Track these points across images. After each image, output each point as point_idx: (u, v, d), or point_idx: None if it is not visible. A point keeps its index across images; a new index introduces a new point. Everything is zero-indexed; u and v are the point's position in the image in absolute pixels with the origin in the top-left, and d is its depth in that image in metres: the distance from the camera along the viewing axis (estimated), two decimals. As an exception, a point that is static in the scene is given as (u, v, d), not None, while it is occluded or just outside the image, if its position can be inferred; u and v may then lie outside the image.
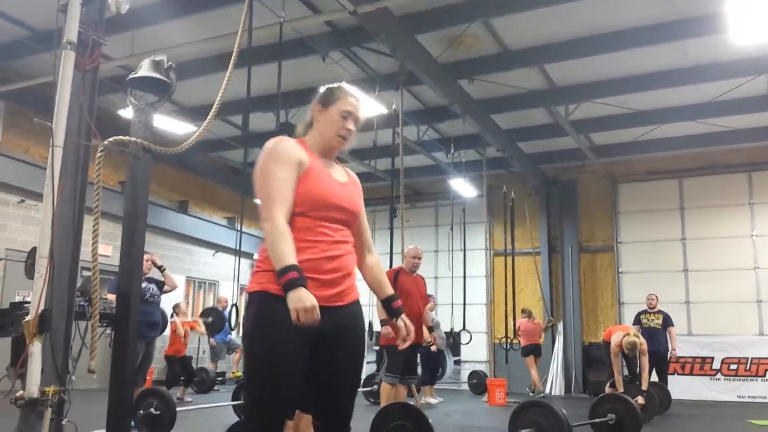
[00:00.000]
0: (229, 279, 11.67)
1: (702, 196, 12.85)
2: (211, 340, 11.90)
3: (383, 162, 11.46)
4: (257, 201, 2.29)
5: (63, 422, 3.23)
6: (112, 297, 4.72)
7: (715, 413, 9.59)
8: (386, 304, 2.49)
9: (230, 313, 6.39)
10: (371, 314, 7.60)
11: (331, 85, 2.50)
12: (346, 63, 9.06)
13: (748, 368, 11.68)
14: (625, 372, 8.56)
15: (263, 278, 2.23)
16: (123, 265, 3.66)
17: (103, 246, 3.65)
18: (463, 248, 12.02)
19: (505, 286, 12.08)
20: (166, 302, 7.93)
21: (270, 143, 2.32)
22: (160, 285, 6.97)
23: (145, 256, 5.77)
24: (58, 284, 3.20)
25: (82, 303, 3.50)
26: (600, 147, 12.76)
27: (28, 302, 3.25)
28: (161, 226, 12.22)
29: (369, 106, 9.06)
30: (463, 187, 12.54)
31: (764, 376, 11.53)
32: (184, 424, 5.33)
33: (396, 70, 8.76)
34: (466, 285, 11.54)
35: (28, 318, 3.03)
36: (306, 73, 9.31)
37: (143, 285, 6.56)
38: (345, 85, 2.52)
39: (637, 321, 9.85)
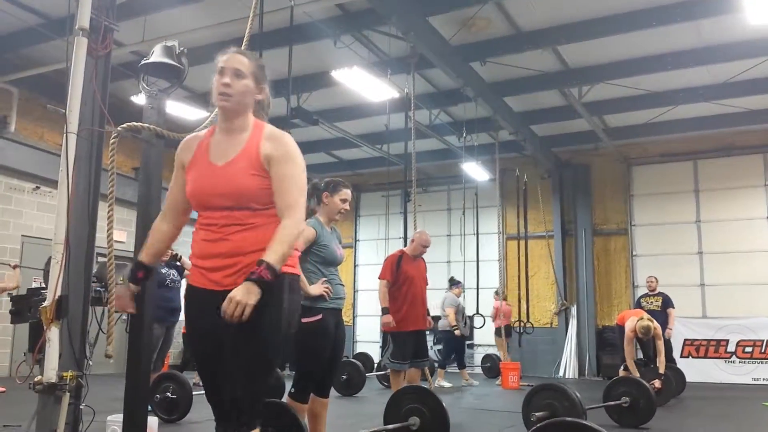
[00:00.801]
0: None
1: (717, 178, 12.70)
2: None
3: (396, 147, 11.41)
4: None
5: (81, 407, 3.27)
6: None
7: (730, 396, 9.55)
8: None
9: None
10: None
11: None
12: (357, 47, 9.00)
13: (763, 351, 11.61)
14: (639, 355, 8.55)
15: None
16: (138, 251, 3.67)
17: (118, 232, 3.66)
18: (475, 232, 11.98)
19: (519, 270, 12.05)
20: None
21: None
22: (181, 270, 7.01)
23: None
24: (74, 270, 3.22)
25: (98, 288, 3.52)
26: (613, 129, 12.63)
27: (45, 288, 3.27)
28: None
29: (381, 90, 9.03)
30: (475, 170, 12.48)
31: (779, 358, 11.48)
32: (200, 408, 5.39)
33: (407, 53, 8.70)
34: (479, 269, 11.52)
35: (45, 304, 3.06)
36: (317, 57, 9.27)
37: (163, 271, 6.61)
38: None
39: (638, 305, 9.87)
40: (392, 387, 5.77)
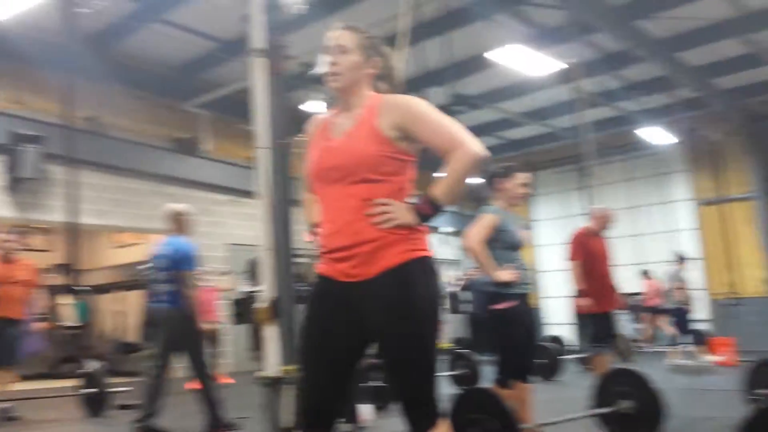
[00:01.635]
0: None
1: None
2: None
3: (563, 120, 10.94)
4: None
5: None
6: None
7: None
8: None
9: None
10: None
11: None
12: (512, 24, 8.73)
13: None
14: None
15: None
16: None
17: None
18: (661, 201, 11.11)
19: (719, 238, 10.95)
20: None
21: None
22: None
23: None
24: (280, 273, 3.46)
25: (301, 287, 3.75)
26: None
27: (256, 291, 3.56)
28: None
29: (542, 64, 8.68)
30: (654, 135, 11.56)
31: None
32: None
33: (565, 22, 8.26)
34: (676, 240, 10.64)
35: (260, 305, 3.31)
36: (472, 40, 9.15)
37: None
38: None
39: None
40: (596, 370, 5.55)
